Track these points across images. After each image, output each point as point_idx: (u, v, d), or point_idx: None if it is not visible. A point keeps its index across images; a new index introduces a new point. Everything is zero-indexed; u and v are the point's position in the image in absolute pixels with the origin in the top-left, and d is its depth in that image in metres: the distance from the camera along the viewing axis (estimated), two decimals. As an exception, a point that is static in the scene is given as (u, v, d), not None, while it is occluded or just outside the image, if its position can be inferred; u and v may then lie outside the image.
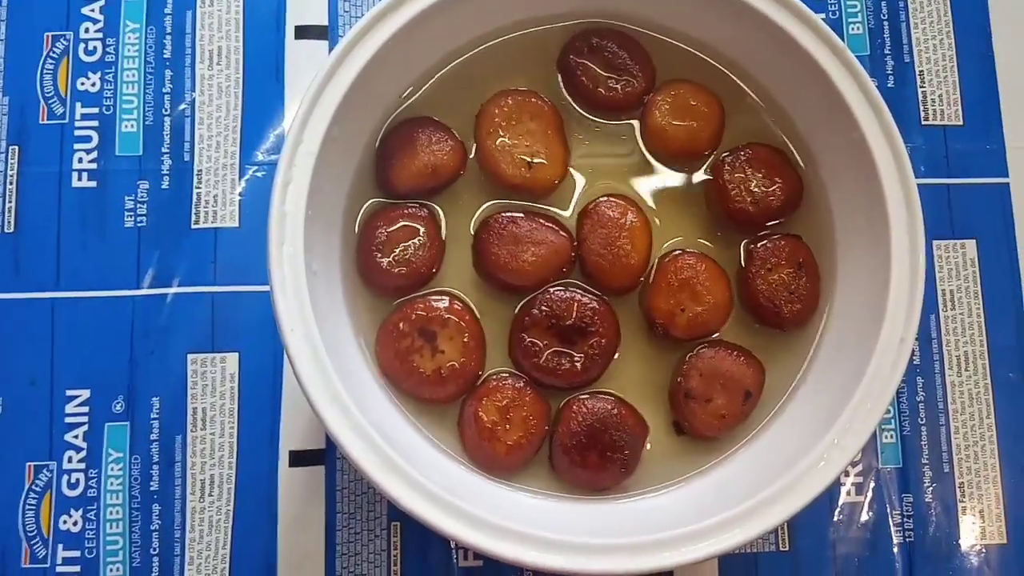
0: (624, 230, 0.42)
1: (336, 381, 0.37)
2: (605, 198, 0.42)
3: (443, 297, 0.42)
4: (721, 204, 0.43)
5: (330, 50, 0.51)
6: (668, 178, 0.44)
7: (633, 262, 0.42)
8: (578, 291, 0.42)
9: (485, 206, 0.43)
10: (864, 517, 0.49)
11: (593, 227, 0.42)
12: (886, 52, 0.54)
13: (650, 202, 0.44)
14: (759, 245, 0.42)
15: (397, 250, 0.41)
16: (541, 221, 0.42)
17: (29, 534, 0.46)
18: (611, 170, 0.44)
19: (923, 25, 0.54)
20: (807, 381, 0.42)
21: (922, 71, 0.54)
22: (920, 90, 0.54)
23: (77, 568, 0.46)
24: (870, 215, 0.40)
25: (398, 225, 0.42)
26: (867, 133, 0.40)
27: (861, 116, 0.40)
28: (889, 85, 0.54)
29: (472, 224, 0.43)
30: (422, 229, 0.42)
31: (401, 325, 0.40)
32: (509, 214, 0.42)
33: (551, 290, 0.41)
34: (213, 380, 0.48)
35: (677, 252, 0.43)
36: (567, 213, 0.43)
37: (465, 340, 0.41)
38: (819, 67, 0.40)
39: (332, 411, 0.36)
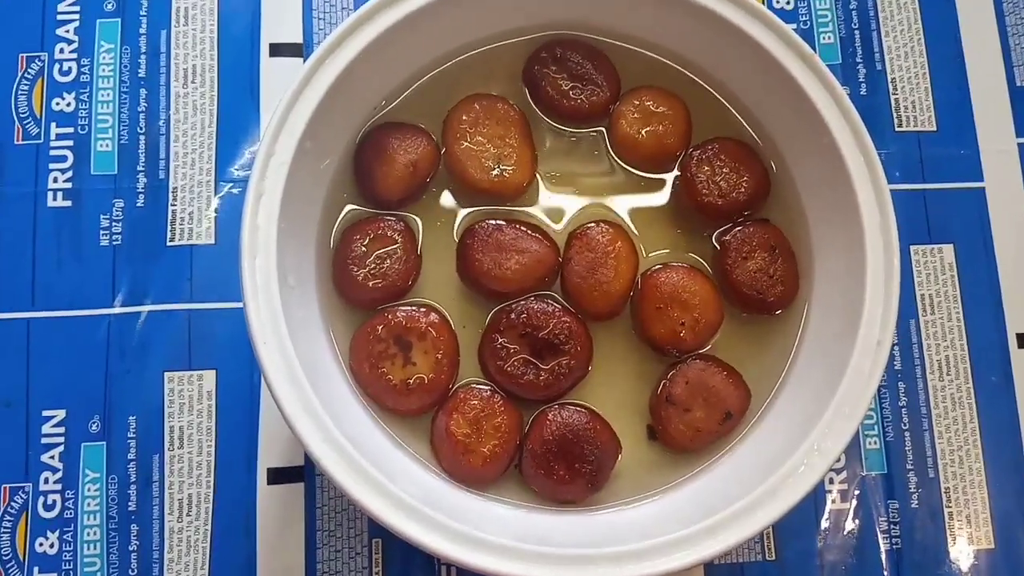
0: (610, 257, 0.41)
1: (311, 394, 0.36)
2: (596, 224, 0.42)
3: (426, 310, 0.41)
4: (690, 199, 0.43)
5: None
6: (638, 181, 0.44)
7: (612, 289, 0.41)
8: (559, 306, 0.41)
9: (468, 212, 0.43)
10: (850, 524, 0.48)
11: (581, 249, 0.42)
12: (858, 60, 0.54)
13: (624, 207, 0.44)
14: (730, 235, 0.43)
15: (373, 263, 0.41)
16: (526, 230, 0.42)
17: (4, 558, 0.45)
18: (584, 178, 0.44)
19: (894, 33, 0.54)
20: (789, 381, 0.42)
21: (894, 78, 0.54)
22: (893, 97, 0.54)
23: (53, 590, 0.45)
24: (843, 217, 0.40)
25: (374, 238, 0.41)
26: (838, 138, 0.40)
27: (831, 121, 0.40)
28: (862, 93, 0.54)
29: (456, 230, 0.43)
30: (398, 242, 0.41)
31: (379, 329, 0.40)
32: (494, 221, 0.42)
33: (533, 299, 0.41)
34: (190, 398, 0.47)
35: (651, 271, 0.42)
36: (559, 227, 0.43)
37: (439, 357, 0.40)
38: (788, 74, 0.40)
39: (307, 424, 0.36)
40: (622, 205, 0.44)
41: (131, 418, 0.47)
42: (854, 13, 0.55)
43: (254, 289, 0.36)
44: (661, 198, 0.44)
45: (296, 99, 0.38)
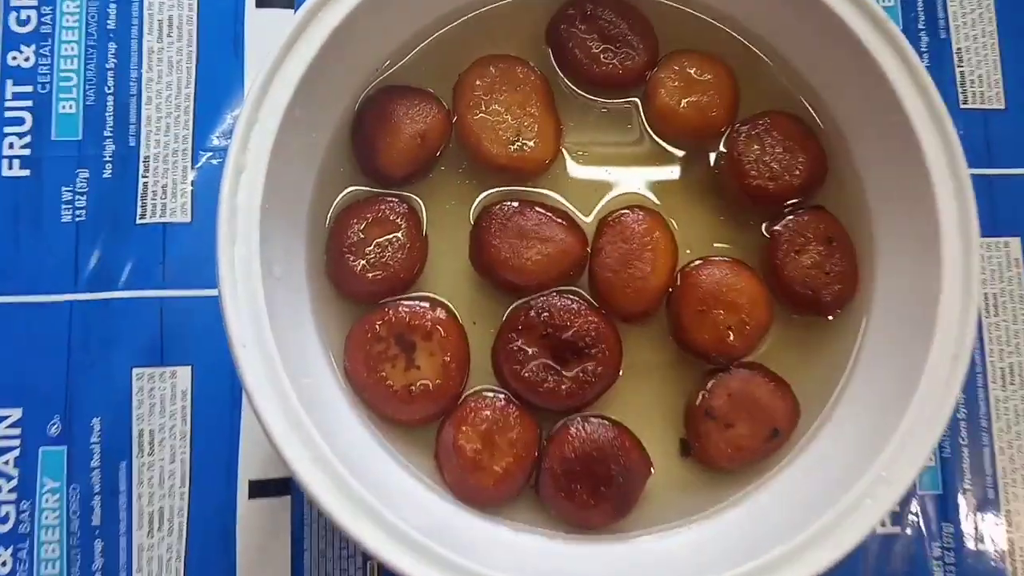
0: (646, 249, 0.38)
1: (297, 405, 0.33)
2: (630, 210, 0.39)
3: (431, 304, 0.38)
4: (736, 181, 0.40)
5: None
6: (676, 159, 0.41)
7: (648, 286, 0.38)
8: (586, 304, 0.38)
9: (486, 194, 0.40)
10: (901, 550, 0.45)
11: (613, 239, 0.38)
12: (920, 27, 0.51)
13: (659, 190, 0.41)
14: (781, 225, 0.39)
15: (372, 251, 0.38)
16: (550, 215, 0.39)
17: (-51, 578, 0.43)
18: (614, 156, 0.41)
19: (961, -3, 0.51)
20: (845, 396, 0.39)
21: (959, 49, 0.50)
22: (958, 70, 0.50)
23: (4, 616, 0.43)
24: (914, 208, 0.37)
25: (373, 222, 0.38)
26: (913, 117, 0.37)
27: (905, 97, 0.37)
28: (924, 64, 0.49)
29: (472, 212, 0.40)
30: (402, 226, 0.39)
31: (378, 326, 0.37)
32: (515, 203, 0.38)
33: (556, 294, 0.38)
34: (162, 398, 0.44)
35: (692, 266, 0.39)
36: (588, 219, 0.40)
37: (446, 360, 0.37)
38: (855, 38, 0.37)
39: (292, 442, 0.33)
40: (657, 187, 0.41)
41: (95, 420, 0.44)
42: (918, -27, 0.51)
43: (232, 282, 0.33)
44: (701, 180, 0.41)
45: (284, 57, 0.35)
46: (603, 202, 0.40)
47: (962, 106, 0.50)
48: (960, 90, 0.50)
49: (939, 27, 0.51)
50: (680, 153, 0.41)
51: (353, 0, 0.36)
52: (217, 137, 0.47)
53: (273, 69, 0.35)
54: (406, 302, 0.38)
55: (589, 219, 0.40)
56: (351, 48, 0.37)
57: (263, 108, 0.34)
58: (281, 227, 0.36)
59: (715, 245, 0.40)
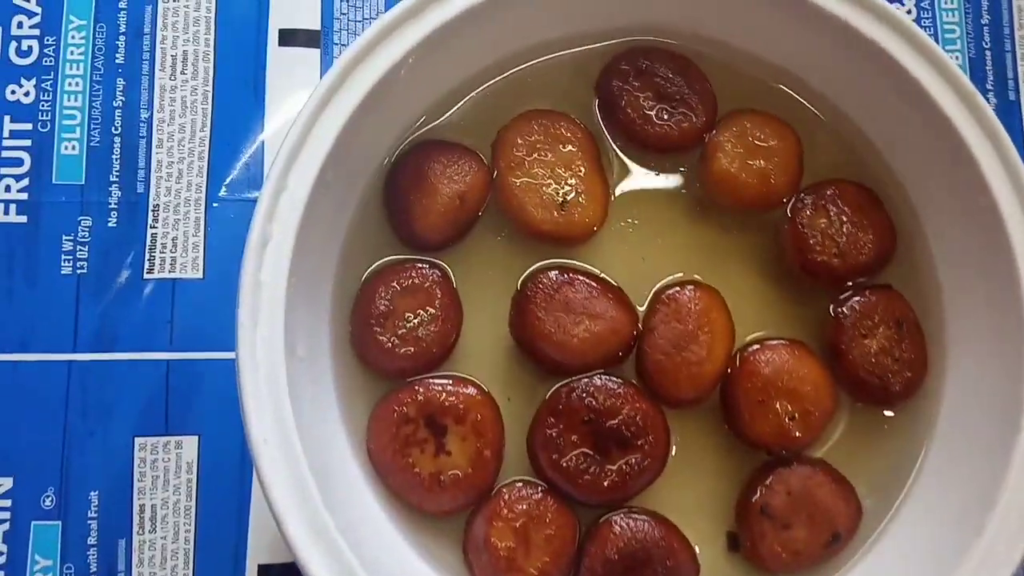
0: (702, 331, 0.36)
1: (322, 508, 0.31)
2: (685, 287, 0.37)
3: (465, 384, 0.36)
4: (799, 256, 0.38)
5: (322, 60, 0.46)
6: (733, 230, 0.39)
7: (703, 372, 0.36)
8: (633, 389, 0.36)
9: (536, 266, 0.38)
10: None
11: (667, 319, 0.36)
12: (988, 88, 0.48)
13: (713, 265, 0.39)
14: (846, 306, 0.37)
15: (403, 324, 0.36)
16: (602, 289, 0.37)
17: (-72, 664, 0.40)
18: (663, 224, 0.39)
19: (1031, 55, 0.49)
20: (912, 498, 0.37)
21: None
22: None
23: None
24: (994, 296, 0.35)
25: (403, 291, 0.36)
26: (1000, 202, 0.34)
27: (993, 180, 0.34)
28: (991, 129, 0.48)
29: (519, 281, 0.38)
30: (436, 296, 0.36)
31: (406, 405, 0.35)
32: (563, 274, 0.36)
33: (600, 376, 0.36)
34: (166, 470, 0.42)
35: (749, 349, 0.37)
36: (642, 308, 0.38)
37: (478, 446, 0.35)
38: (940, 112, 0.35)
39: (315, 552, 0.30)
40: (711, 259, 0.39)
41: (93, 493, 0.42)
42: (986, 30, 0.49)
43: (254, 369, 0.31)
44: (757, 252, 0.39)
45: (317, 116, 0.33)
46: (659, 278, 0.38)
47: (1032, 174, 0.47)
48: (1029, 156, 0.48)
49: (1008, 87, 0.48)
50: (736, 222, 0.39)
51: (389, 58, 0.33)
52: (234, 186, 0.45)
53: (304, 131, 0.32)
54: (438, 380, 0.36)
55: (643, 308, 0.37)
56: (388, 104, 0.34)
57: (292, 174, 0.32)
58: (306, 301, 0.33)
59: (770, 321, 0.38)
